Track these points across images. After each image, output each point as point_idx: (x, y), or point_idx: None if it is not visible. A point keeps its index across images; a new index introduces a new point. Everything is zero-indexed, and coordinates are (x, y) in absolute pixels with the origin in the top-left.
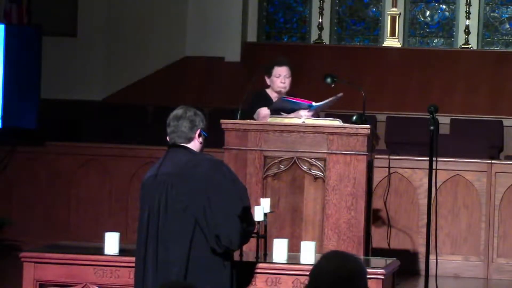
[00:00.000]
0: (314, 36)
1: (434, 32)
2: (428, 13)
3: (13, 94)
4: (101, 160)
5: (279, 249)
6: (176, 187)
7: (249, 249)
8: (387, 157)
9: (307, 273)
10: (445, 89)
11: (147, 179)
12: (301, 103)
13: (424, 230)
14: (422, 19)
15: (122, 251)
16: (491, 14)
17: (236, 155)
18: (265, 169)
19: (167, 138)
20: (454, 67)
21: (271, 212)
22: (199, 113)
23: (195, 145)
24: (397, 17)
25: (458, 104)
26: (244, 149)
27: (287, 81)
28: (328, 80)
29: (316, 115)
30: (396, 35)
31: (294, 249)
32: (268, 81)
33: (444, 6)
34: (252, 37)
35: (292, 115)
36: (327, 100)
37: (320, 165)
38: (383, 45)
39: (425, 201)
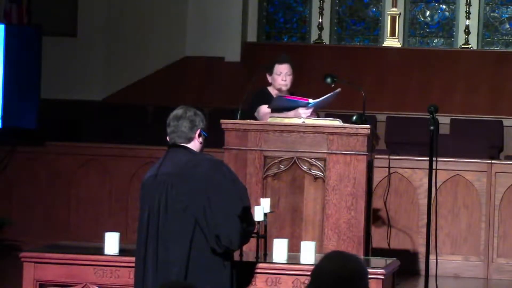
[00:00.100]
0: (314, 36)
1: (434, 32)
2: (428, 13)
3: (13, 94)
4: (101, 160)
5: (279, 249)
6: (176, 187)
7: (249, 249)
8: (387, 157)
9: (307, 273)
10: (445, 89)
11: (147, 179)
12: (298, 101)
13: (424, 230)
14: (422, 19)
15: (122, 251)
16: (491, 14)
17: (236, 155)
18: (265, 169)
19: (167, 138)
20: (454, 67)
21: (271, 212)
22: (199, 113)
23: (195, 145)
24: (397, 17)
25: (458, 104)
26: (244, 149)
27: (288, 79)
28: (328, 80)
29: (316, 114)
30: (396, 35)
31: (294, 249)
32: (269, 78)
33: (444, 6)
34: (252, 37)
35: (291, 113)
36: (324, 97)
37: (320, 165)
38: (383, 45)
39: (425, 201)
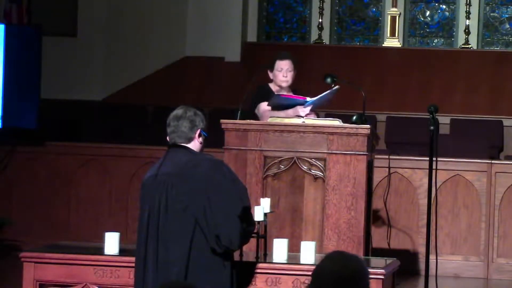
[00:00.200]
0: (314, 36)
1: (434, 32)
2: (428, 13)
3: (13, 94)
4: (101, 160)
5: (279, 249)
6: (176, 187)
7: (249, 249)
8: (387, 157)
9: (307, 273)
10: (445, 89)
11: (147, 179)
12: (296, 100)
13: (424, 230)
14: (422, 19)
15: (122, 251)
16: (491, 14)
17: (236, 155)
18: (265, 169)
19: (167, 138)
20: (454, 67)
21: (271, 212)
22: (199, 113)
23: (195, 145)
24: (397, 17)
25: (458, 104)
26: (244, 149)
27: (289, 75)
28: (328, 80)
29: (316, 114)
30: (396, 35)
31: (294, 249)
32: (270, 75)
33: (444, 6)
34: (252, 37)
35: (290, 111)
36: (322, 94)
37: (320, 165)
38: (383, 45)
39: (425, 201)
